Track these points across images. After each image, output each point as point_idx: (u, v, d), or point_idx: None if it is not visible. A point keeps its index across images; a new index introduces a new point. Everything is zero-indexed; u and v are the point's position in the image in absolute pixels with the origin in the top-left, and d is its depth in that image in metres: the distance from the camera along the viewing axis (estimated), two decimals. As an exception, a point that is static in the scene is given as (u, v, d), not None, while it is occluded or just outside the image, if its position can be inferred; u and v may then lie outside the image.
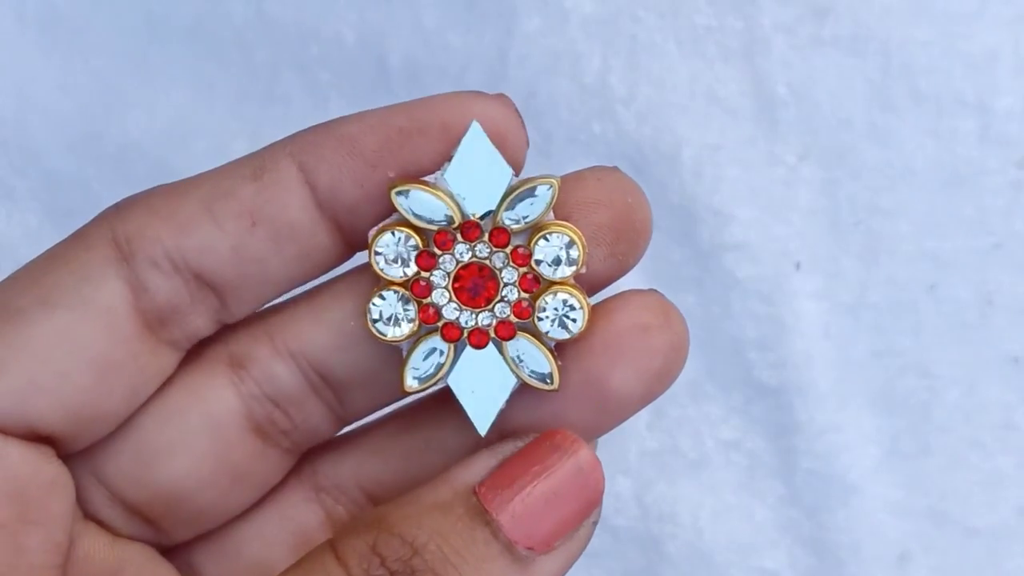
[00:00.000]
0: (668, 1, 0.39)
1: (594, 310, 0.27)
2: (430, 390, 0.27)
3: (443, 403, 0.28)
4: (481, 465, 0.25)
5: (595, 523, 0.26)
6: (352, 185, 0.26)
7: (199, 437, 0.28)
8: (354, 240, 0.27)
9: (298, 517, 0.29)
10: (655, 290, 0.27)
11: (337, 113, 0.38)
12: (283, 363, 0.28)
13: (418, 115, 0.26)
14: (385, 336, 0.27)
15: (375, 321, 0.27)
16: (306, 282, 0.27)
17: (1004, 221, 0.40)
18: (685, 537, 0.40)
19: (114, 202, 0.27)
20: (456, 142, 0.26)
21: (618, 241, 0.26)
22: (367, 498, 0.29)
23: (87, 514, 0.28)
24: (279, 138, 0.28)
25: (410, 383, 0.27)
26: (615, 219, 0.26)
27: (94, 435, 0.27)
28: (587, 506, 0.25)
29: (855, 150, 0.39)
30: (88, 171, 0.39)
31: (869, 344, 0.40)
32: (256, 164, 0.26)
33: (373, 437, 0.29)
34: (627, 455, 0.40)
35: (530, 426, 0.27)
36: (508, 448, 0.26)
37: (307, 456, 0.29)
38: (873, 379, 0.40)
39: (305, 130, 0.27)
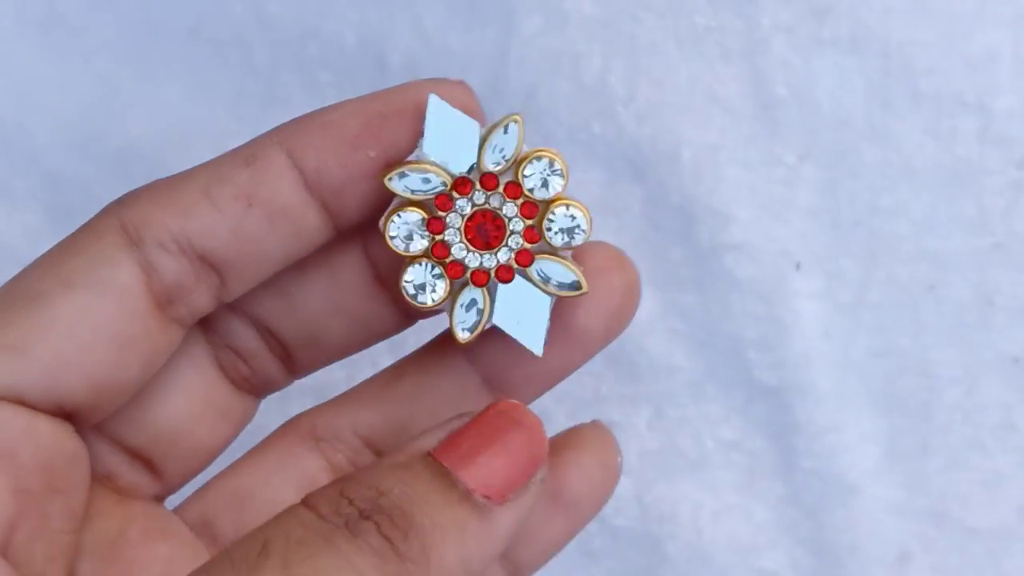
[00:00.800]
0: (668, 1, 0.39)
1: None
2: (480, 332, 0.30)
3: (428, 351, 0.32)
4: (434, 436, 0.27)
5: (542, 481, 0.28)
6: (337, 166, 0.29)
7: (187, 379, 0.31)
8: (339, 219, 0.30)
9: (301, 464, 0.32)
10: (604, 241, 0.31)
11: (337, 113, 0.38)
12: (242, 324, 0.31)
13: (393, 99, 0.29)
14: (426, 304, 0.30)
15: (413, 295, 0.30)
16: (297, 259, 0.30)
17: (1004, 221, 0.40)
18: (685, 537, 0.40)
19: (115, 198, 0.30)
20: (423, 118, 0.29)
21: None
22: (364, 443, 0.32)
23: (94, 472, 0.30)
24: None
25: (462, 335, 0.30)
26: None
27: (111, 408, 0.29)
28: (533, 462, 0.28)
29: (855, 150, 0.39)
30: (88, 171, 0.39)
31: (869, 344, 0.40)
32: (248, 152, 0.29)
33: (365, 391, 0.32)
34: (627, 455, 0.40)
35: (509, 366, 0.30)
36: (456, 422, 0.28)
37: (305, 415, 0.32)
38: (873, 379, 0.40)
39: (291, 120, 0.29)
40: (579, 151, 0.39)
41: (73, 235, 0.29)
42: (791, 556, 0.40)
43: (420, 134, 0.29)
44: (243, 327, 0.32)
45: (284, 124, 0.29)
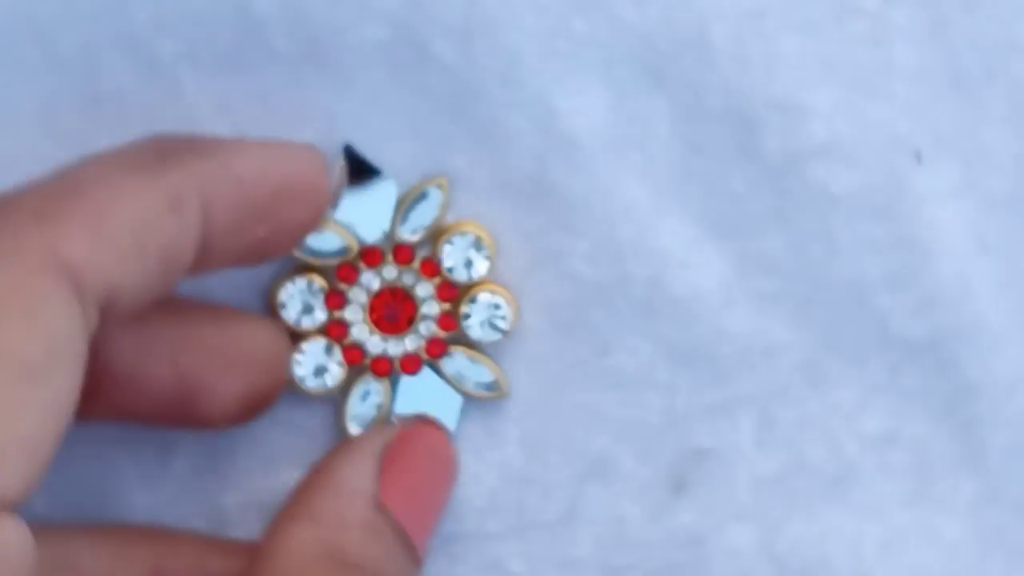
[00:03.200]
0: None
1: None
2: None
3: None
4: (367, 470, 0.30)
5: None
6: (231, 239, 0.30)
7: None
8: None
9: None
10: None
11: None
12: None
13: (301, 158, 0.31)
14: (314, 391, 0.30)
15: (302, 379, 0.30)
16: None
17: None
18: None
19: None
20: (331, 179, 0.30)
21: None
22: None
23: None
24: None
25: (354, 430, 0.30)
26: None
27: None
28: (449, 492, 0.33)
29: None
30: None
31: (1048, 244, 0.34)
32: (174, 197, 0.29)
33: None
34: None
35: None
36: (378, 443, 0.30)
37: None
38: (1061, 295, 0.34)
39: (208, 160, 0.30)
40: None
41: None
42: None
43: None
44: None
45: (202, 162, 0.30)
